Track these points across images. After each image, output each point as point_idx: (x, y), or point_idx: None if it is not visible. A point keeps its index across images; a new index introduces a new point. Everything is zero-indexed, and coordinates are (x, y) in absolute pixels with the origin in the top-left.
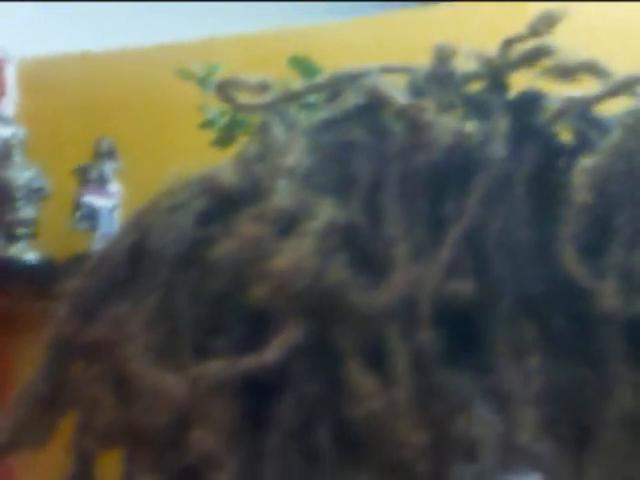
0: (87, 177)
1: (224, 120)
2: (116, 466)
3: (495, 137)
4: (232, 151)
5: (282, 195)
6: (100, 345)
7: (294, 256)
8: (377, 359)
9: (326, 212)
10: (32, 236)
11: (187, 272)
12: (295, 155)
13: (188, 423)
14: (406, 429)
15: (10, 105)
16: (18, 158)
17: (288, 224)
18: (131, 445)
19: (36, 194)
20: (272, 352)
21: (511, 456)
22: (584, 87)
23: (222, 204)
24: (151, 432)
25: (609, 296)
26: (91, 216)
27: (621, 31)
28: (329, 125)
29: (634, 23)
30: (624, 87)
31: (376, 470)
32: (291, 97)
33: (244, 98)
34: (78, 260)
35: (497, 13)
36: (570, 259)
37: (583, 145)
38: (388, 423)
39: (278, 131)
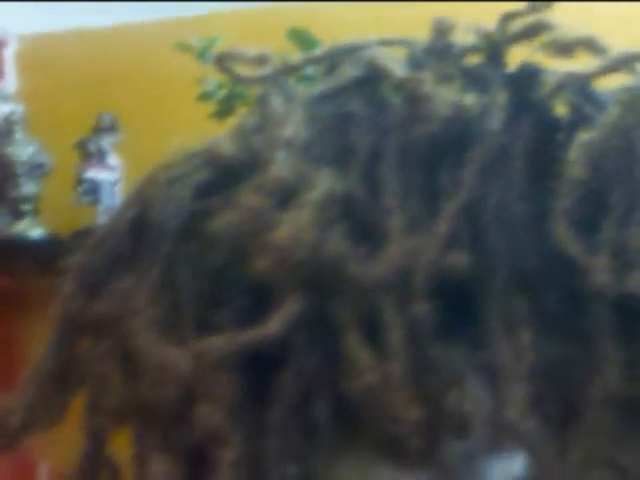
0: (88, 151)
1: (222, 92)
2: (128, 445)
3: (493, 110)
4: (231, 123)
5: (280, 166)
6: (106, 321)
7: (293, 228)
8: (374, 332)
9: (324, 183)
10: (36, 212)
11: (188, 245)
12: (293, 127)
13: (193, 399)
14: (400, 404)
15: (10, 82)
16: (19, 135)
17: (287, 195)
18: (140, 423)
19: (38, 170)
20: (273, 325)
21: (499, 434)
22: (582, 63)
23: (221, 176)
24: (158, 409)
25: (601, 272)
26: (93, 190)
27: (618, 13)
28: (327, 97)
29: (632, 4)
30: (622, 63)
31: (372, 447)
32: (289, 69)
33: (243, 70)
34: (82, 235)
35: None
36: (563, 233)
37: (580, 120)
38: (383, 397)
39: (276, 103)
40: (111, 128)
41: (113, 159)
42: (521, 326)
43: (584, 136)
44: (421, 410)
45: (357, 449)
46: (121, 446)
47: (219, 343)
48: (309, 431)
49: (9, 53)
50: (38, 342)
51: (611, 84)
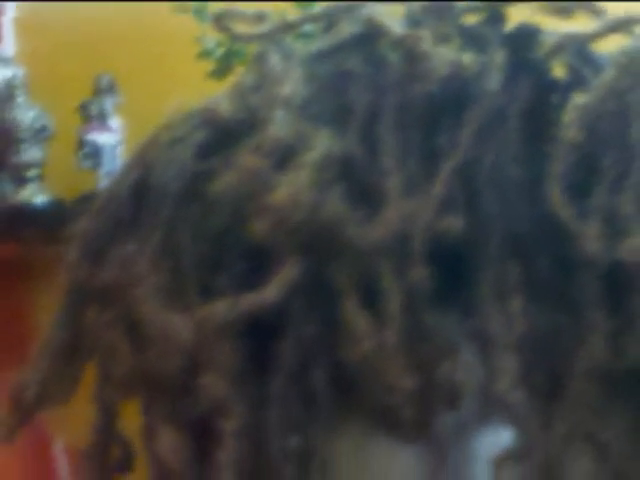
0: (89, 114)
1: (221, 51)
2: (137, 420)
3: (491, 70)
4: (229, 81)
5: (278, 126)
6: (111, 289)
7: (291, 189)
8: (371, 298)
9: (322, 143)
10: (41, 178)
11: (189, 208)
12: (291, 85)
13: (197, 369)
14: (395, 372)
15: (10, 46)
16: (21, 99)
17: (285, 156)
18: (148, 395)
19: (41, 134)
20: (271, 291)
21: (488, 405)
22: (580, 25)
23: (220, 136)
24: (164, 380)
25: (591, 239)
26: (95, 154)
27: None
28: (325, 55)
29: None
30: (620, 26)
31: (367, 419)
32: (287, 27)
33: (241, 29)
34: (86, 200)
35: None
36: (557, 198)
37: (577, 82)
38: (379, 366)
39: (274, 61)
40: (110, 90)
41: (114, 121)
42: (512, 293)
43: (579, 98)
44: (415, 379)
45: (353, 422)
46: (130, 421)
47: (220, 310)
48: (308, 401)
49: (8, 16)
50: (47, 312)
51: (610, 47)
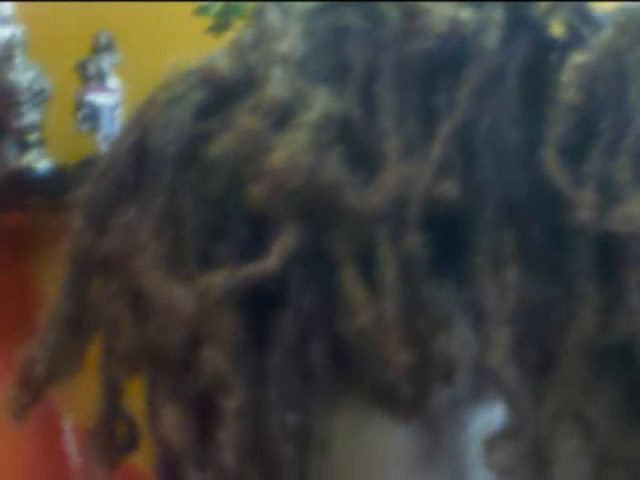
0: (87, 73)
1: (218, 7)
2: (141, 397)
3: (489, 27)
4: (227, 37)
5: (277, 85)
6: (114, 258)
7: (290, 152)
8: (369, 269)
9: (321, 102)
10: (41, 143)
11: (188, 172)
12: (290, 41)
13: (198, 342)
14: (392, 347)
15: (7, 5)
16: (20, 59)
17: (283, 116)
18: (151, 370)
19: (40, 96)
20: (272, 259)
21: (482, 381)
22: None
23: (218, 96)
24: (167, 354)
25: (585, 207)
26: (93, 115)
27: None
28: (324, 11)
29: None
30: None
31: (365, 397)
32: None
33: None
34: (86, 165)
35: None
36: (552, 163)
37: (575, 41)
38: (376, 340)
39: (273, 17)
40: (108, 47)
41: (112, 81)
42: (507, 263)
43: (577, 58)
44: (411, 354)
45: (351, 401)
46: (135, 400)
47: (220, 280)
48: (307, 377)
49: None
50: (52, 282)
51: (609, 6)
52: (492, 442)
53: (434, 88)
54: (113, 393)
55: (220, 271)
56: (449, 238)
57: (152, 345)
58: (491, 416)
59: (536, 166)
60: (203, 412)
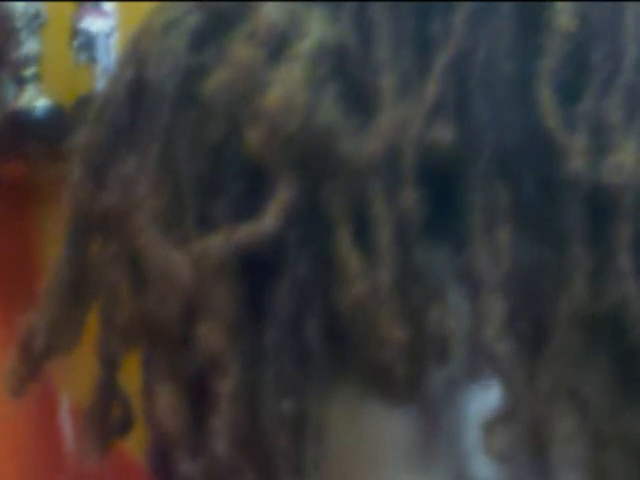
0: None
1: None
2: (137, 378)
3: None
4: None
5: (272, 8)
6: (113, 215)
7: (285, 89)
8: (364, 230)
9: (316, 30)
10: (38, 78)
11: (185, 114)
12: None
13: (195, 316)
14: (386, 323)
15: None
16: None
17: (279, 45)
18: (147, 344)
19: (35, 21)
20: (268, 219)
21: (477, 359)
22: None
23: (214, 18)
24: (164, 326)
25: (577, 154)
26: (89, 44)
27: None
28: None
29: None
30: None
31: (359, 381)
32: None
33: None
34: (84, 104)
35: None
36: (546, 101)
37: None
38: (370, 314)
39: None
40: None
41: (108, 4)
42: (500, 221)
43: None
44: (406, 329)
45: (347, 385)
46: (131, 382)
47: (216, 244)
48: (302, 358)
49: None
50: (54, 239)
51: None
52: (489, 425)
53: (429, 10)
54: (110, 370)
55: (217, 234)
56: (442, 197)
57: (150, 317)
58: (488, 398)
59: (530, 107)
60: (198, 395)
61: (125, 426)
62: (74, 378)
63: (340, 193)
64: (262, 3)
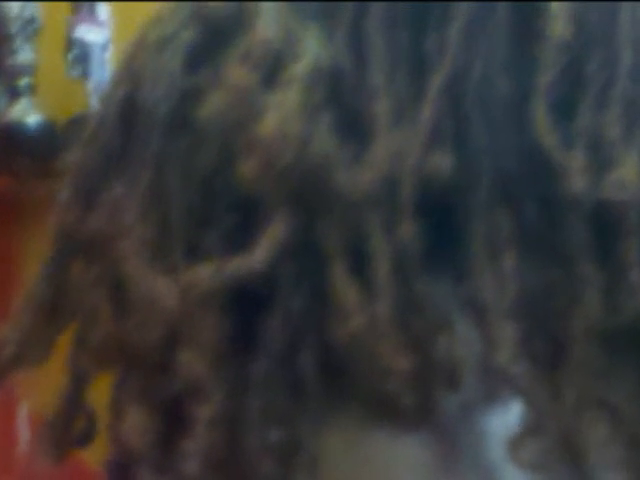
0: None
1: None
2: (106, 395)
3: None
4: None
5: (267, 24)
6: (98, 240)
7: (280, 117)
8: (361, 265)
9: (311, 51)
10: (32, 89)
11: (177, 141)
12: None
13: (177, 342)
14: (389, 354)
15: None
16: None
17: (274, 67)
18: (122, 366)
19: (30, 26)
20: (260, 252)
21: (492, 381)
22: None
23: (210, 35)
24: (143, 351)
25: (576, 174)
26: (84, 57)
27: None
28: None
29: None
30: None
31: (362, 410)
32: None
33: None
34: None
35: None
36: (542, 121)
37: None
38: (371, 346)
39: None
40: None
41: (102, 10)
42: (504, 248)
43: None
44: (411, 358)
45: (346, 414)
46: (99, 395)
47: (205, 275)
48: (295, 389)
49: None
50: (36, 255)
51: None
52: (516, 440)
53: (424, 24)
54: (78, 385)
55: (206, 264)
56: (442, 227)
57: (128, 341)
58: (509, 415)
59: (527, 127)
60: (170, 415)
61: (86, 439)
62: (38, 386)
63: (336, 226)
64: (257, 14)
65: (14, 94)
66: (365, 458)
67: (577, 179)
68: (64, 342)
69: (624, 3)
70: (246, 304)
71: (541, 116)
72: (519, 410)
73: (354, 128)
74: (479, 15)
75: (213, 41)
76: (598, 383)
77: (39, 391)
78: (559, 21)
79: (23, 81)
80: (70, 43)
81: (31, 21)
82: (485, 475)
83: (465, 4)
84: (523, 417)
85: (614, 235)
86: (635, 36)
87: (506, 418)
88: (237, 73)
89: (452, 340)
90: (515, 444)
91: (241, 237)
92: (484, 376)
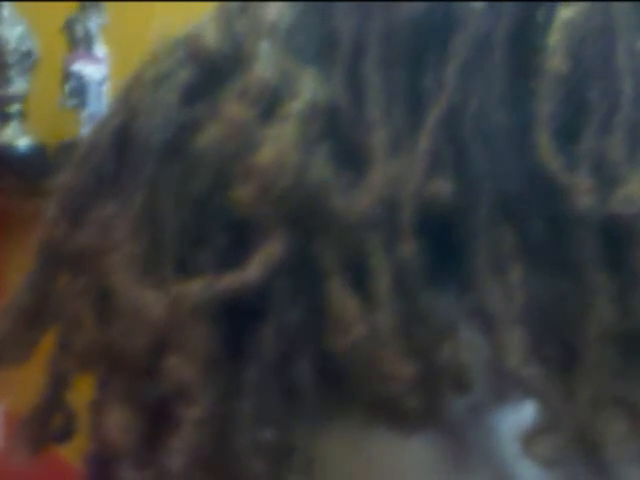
0: (75, 36)
1: None
2: (87, 394)
3: None
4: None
5: (264, 63)
6: (86, 254)
7: (277, 148)
8: (360, 279)
9: (308, 89)
10: (23, 115)
11: (172, 167)
12: (277, 7)
13: (165, 350)
14: (391, 360)
15: None
16: (7, 11)
17: (271, 103)
18: (106, 370)
19: (27, 59)
20: (254, 269)
21: (503, 383)
22: None
23: (206, 73)
24: (128, 357)
25: (582, 193)
26: (80, 91)
27: None
28: None
29: None
30: None
31: (362, 412)
32: None
33: None
34: (68, 147)
35: None
36: (545, 147)
37: None
38: (372, 354)
39: None
40: (96, 6)
41: (100, 49)
42: (510, 262)
43: (564, 14)
44: (414, 365)
45: (346, 416)
46: (80, 393)
47: (197, 288)
48: (289, 393)
49: None
50: (20, 270)
51: None
52: (530, 436)
53: (421, 64)
54: (58, 385)
55: (197, 280)
56: (445, 242)
57: (112, 346)
58: (521, 412)
59: (529, 152)
60: (155, 413)
61: (64, 436)
62: (15, 383)
63: (333, 246)
64: (254, 54)
65: (5, 119)
66: (369, 458)
67: (583, 198)
68: (45, 344)
69: (620, 37)
70: (238, 314)
71: (545, 142)
72: (532, 407)
73: (351, 158)
74: (476, 55)
75: (210, 79)
76: (614, 382)
77: (18, 391)
78: (556, 57)
79: (14, 107)
80: (67, 76)
81: (28, 54)
82: (497, 472)
83: (462, 42)
84: (537, 414)
85: (623, 245)
86: (634, 66)
87: (518, 415)
88: (234, 108)
89: (457, 346)
90: (529, 440)
91: (235, 256)
92: (494, 378)
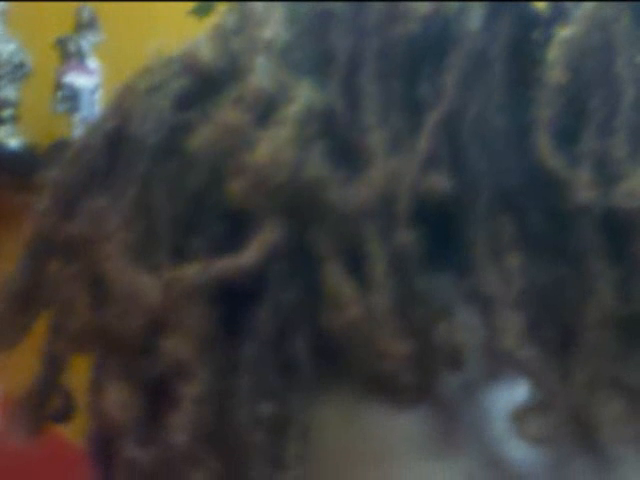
0: (68, 52)
1: None
2: (84, 374)
3: (472, 6)
4: (211, 19)
5: (260, 75)
6: (78, 242)
7: (272, 147)
8: (356, 264)
9: (304, 95)
10: (15, 119)
11: (166, 164)
12: (273, 27)
13: (161, 330)
14: (387, 339)
15: None
16: (0, 29)
17: (266, 109)
18: (102, 351)
19: (19, 70)
20: (250, 254)
21: (497, 363)
22: None
23: (201, 85)
24: (123, 337)
25: (583, 187)
26: (72, 97)
27: None
28: None
29: None
30: None
31: (358, 384)
32: None
33: None
34: (59, 147)
35: None
36: (545, 146)
37: (559, 15)
38: (368, 332)
39: (256, 1)
40: (91, 24)
41: (93, 62)
42: (508, 250)
43: (563, 33)
44: (409, 344)
45: (341, 388)
46: (77, 374)
47: (192, 271)
48: (286, 368)
49: None
50: (10, 262)
51: None
52: (521, 415)
53: (418, 78)
54: (54, 368)
55: (192, 264)
56: (443, 229)
57: (107, 328)
58: (514, 392)
59: (527, 151)
60: (154, 390)
61: (63, 417)
62: (11, 366)
63: (329, 234)
64: (250, 69)
65: None
66: (362, 430)
67: (584, 192)
68: (39, 326)
69: (620, 52)
70: (234, 295)
71: (545, 142)
72: (525, 387)
73: (348, 157)
74: (474, 68)
75: (204, 89)
76: (612, 364)
77: (13, 373)
78: (556, 69)
79: (6, 112)
80: (59, 86)
81: (20, 66)
82: (487, 450)
83: (459, 57)
84: (530, 393)
85: (624, 236)
86: (635, 76)
87: (512, 394)
88: (229, 113)
89: (452, 326)
90: (521, 418)
91: (230, 243)
92: (489, 357)
